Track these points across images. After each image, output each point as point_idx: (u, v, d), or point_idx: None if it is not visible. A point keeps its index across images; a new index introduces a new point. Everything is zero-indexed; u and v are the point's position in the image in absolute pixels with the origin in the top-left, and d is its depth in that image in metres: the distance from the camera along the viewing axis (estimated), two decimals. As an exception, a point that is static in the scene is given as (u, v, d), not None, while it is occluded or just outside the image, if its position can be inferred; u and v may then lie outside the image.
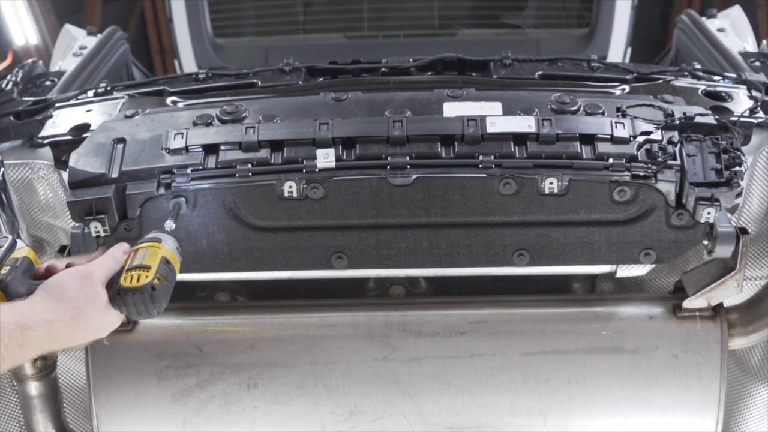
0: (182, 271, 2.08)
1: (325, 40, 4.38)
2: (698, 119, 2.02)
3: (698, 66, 2.57)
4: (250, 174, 1.95)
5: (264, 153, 1.97)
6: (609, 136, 1.96)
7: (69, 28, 3.68)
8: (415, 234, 2.03)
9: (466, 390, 2.21)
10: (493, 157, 1.95)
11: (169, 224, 1.87)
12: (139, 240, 1.71)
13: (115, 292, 1.58)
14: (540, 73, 2.46)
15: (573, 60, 2.58)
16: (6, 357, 1.39)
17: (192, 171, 1.95)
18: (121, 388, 2.21)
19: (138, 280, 1.59)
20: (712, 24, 3.34)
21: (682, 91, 2.29)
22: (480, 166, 1.95)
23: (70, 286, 1.54)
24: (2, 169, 1.97)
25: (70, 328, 1.50)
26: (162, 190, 1.95)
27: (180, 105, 2.33)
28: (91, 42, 3.34)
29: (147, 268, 1.61)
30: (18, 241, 1.68)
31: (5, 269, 1.61)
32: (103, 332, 1.60)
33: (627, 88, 2.34)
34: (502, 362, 2.20)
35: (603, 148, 1.95)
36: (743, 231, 2.00)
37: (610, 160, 1.94)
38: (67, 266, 1.62)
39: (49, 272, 1.61)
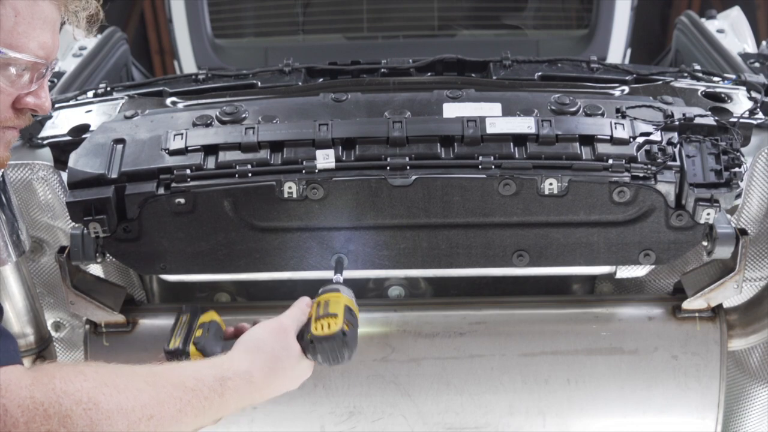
0: (182, 272, 2.09)
1: (324, 41, 4.38)
2: (698, 120, 2.02)
3: (698, 67, 2.57)
4: (250, 175, 1.95)
5: (263, 154, 1.97)
6: (608, 137, 1.96)
7: (68, 29, 3.66)
8: (414, 234, 2.03)
9: (465, 390, 2.21)
10: (492, 157, 1.95)
11: (338, 278, 1.91)
12: (319, 292, 1.79)
13: (308, 342, 1.65)
14: (539, 74, 2.46)
15: (572, 61, 2.58)
16: (207, 408, 1.44)
17: (191, 172, 1.95)
18: (121, 388, 2.21)
19: (329, 327, 1.66)
20: (711, 25, 3.34)
21: (682, 92, 2.29)
22: (480, 166, 1.95)
23: (266, 338, 1.63)
24: (2, 169, 1.96)
25: (268, 378, 1.58)
26: (161, 191, 1.96)
27: (180, 106, 2.33)
28: (91, 42, 3.34)
29: (334, 315, 1.68)
30: (200, 308, 1.78)
31: (199, 332, 1.71)
32: (296, 382, 1.68)
33: (626, 89, 2.34)
34: (502, 363, 2.20)
35: (602, 149, 1.95)
36: (743, 232, 2.00)
37: (610, 161, 1.94)
38: (254, 324, 1.70)
39: (238, 332, 1.70)
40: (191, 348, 1.68)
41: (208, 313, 1.77)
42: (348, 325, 1.68)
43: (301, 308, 1.74)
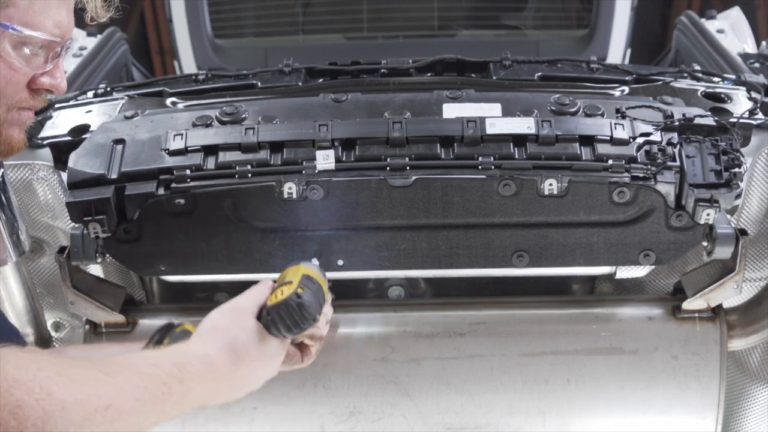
0: (182, 273, 2.09)
1: (324, 41, 4.38)
2: (697, 120, 2.02)
3: (697, 67, 2.57)
4: (250, 175, 1.95)
5: (263, 154, 1.97)
6: (608, 138, 1.96)
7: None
8: (414, 235, 2.03)
9: (465, 390, 2.21)
10: (492, 158, 1.95)
11: (314, 261, 1.83)
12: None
13: (265, 316, 1.57)
14: (539, 74, 2.46)
15: (572, 61, 2.58)
16: (167, 396, 1.34)
17: (191, 172, 1.95)
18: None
19: (282, 294, 1.58)
20: (711, 25, 3.35)
21: (682, 92, 2.29)
22: (479, 167, 1.95)
23: (220, 319, 1.55)
24: (2, 170, 1.96)
25: (231, 360, 1.48)
26: (161, 191, 1.96)
27: (179, 106, 2.33)
28: (91, 43, 3.34)
29: (289, 283, 1.61)
30: (175, 323, 1.69)
31: (166, 341, 1.62)
32: (270, 365, 1.59)
33: (626, 89, 2.34)
34: (502, 363, 2.20)
35: (602, 149, 1.95)
36: (743, 232, 2.00)
37: (610, 162, 1.94)
38: None
39: None
40: None
41: (182, 326, 1.69)
42: (303, 288, 1.59)
43: (259, 289, 1.65)
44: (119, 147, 2.01)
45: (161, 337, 1.65)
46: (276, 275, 2.15)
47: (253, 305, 1.59)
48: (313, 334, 1.74)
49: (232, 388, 1.52)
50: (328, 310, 1.76)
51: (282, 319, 1.55)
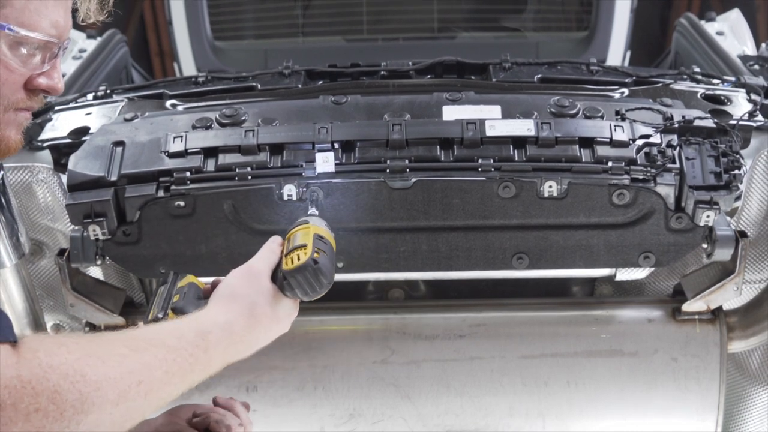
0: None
1: (324, 43, 4.38)
2: (697, 122, 2.02)
3: (697, 69, 2.57)
4: (249, 177, 1.95)
5: (263, 156, 1.97)
6: (608, 140, 1.96)
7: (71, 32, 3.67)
8: (414, 237, 2.03)
9: (465, 392, 2.21)
10: (492, 160, 1.95)
11: (313, 210, 1.82)
12: (289, 228, 1.69)
13: (282, 279, 1.56)
14: (539, 76, 2.46)
15: (572, 63, 2.58)
16: (193, 366, 1.39)
17: (191, 174, 1.95)
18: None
19: (298, 259, 1.57)
20: (711, 27, 3.34)
21: (681, 94, 2.29)
22: (479, 169, 1.95)
23: (239, 285, 1.55)
24: (2, 172, 1.96)
25: (250, 324, 1.50)
26: (161, 193, 1.96)
27: (179, 108, 2.33)
28: (91, 45, 3.34)
29: (303, 246, 1.59)
30: (179, 274, 1.70)
31: (176, 297, 1.64)
32: (283, 324, 1.59)
33: (626, 91, 2.34)
34: (501, 365, 2.20)
35: (602, 151, 1.95)
36: (742, 234, 2.00)
37: (609, 164, 1.94)
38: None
39: (215, 286, 1.62)
40: (170, 314, 1.61)
41: (186, 278, 1.70)
42: (318, 252, 1.59)
43: (270, 248, 1.63)
44: (119, 149, 2.01)
45: (169, 293, 1.66)
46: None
47: (267, 267, 1.59)
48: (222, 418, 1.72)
49: (247, 347, 1.53)
50: (248, 421, 1.76)
51: (299, 284, 1.56)
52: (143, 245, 2.00)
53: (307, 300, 1.58)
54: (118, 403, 1.23)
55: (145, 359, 1.32)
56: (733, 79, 2.45)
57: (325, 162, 1.95)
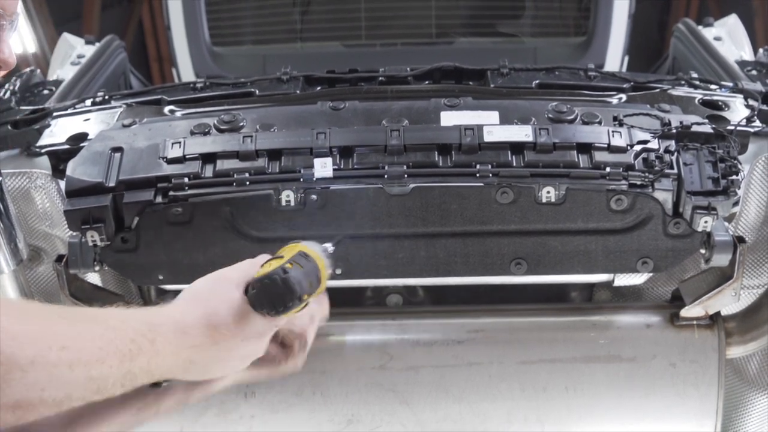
0: (180, 282, 2.08)
1: (322, 49, 4.39)
2: (695, 128, 2.03)
3: (695, 75, 2.57)
4: (248, 183, 1.95)
5: (261, 162, 1.97)
6: (606, 145, 1.96)
7: (67, 37, 3.68)
8: (412, 243, 2.03)
9: (463, 398, 2.21)
10: (490, 166, 1.95)
11: (328, 245, 1.62)
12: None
13: (250, 290, 1.41)
14: (537, 82, 2.46)
15: (570, 69, 2.58)
16: (135, 354, 1.24)
17: (189, 180, 1.95)
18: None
19: (270, 266, 1.42)
20: (708, 33, 3.35)
21: (679, 100, 2.29)
22: (477, 175, 1.95)
23: (202, 288, 1.42)
24: (0, 178, 1.97)
25: (209, 334, 1.35)
26: (159, 199, 1.95)
27: (177, 114, 2.33)
28: (89, 50, 3.35)
29: (280, 257, 1.45)
30: None
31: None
32: (253, 344, 1.42)
33: (624, 97, 2.34)
34: (500, 371, 2.20)
35: (600, 157, 1.95)
36: (740, 239, 2.00)
37: (607, 169, 1.94)
38: None
39: None
40: None
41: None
42: (293, 264, 1.42)
43: (252, 262, 1.49)
44: (117, 155, 2.01)
45: None
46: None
47: (241, 277, 1.43)
48: (292, 326, 1.56)
49: (210, 363, 1.38)
50: (318, 310, 1.61)
51: (265, 294, 1.39)
52: (141, 253, 2.00)
53: (275, 316, 1.41)
54: (35, 361, 1.11)
55: (77, 329, 1.20)
56: (730, 84, 2.45)
57: (323, 167, 1.95)
